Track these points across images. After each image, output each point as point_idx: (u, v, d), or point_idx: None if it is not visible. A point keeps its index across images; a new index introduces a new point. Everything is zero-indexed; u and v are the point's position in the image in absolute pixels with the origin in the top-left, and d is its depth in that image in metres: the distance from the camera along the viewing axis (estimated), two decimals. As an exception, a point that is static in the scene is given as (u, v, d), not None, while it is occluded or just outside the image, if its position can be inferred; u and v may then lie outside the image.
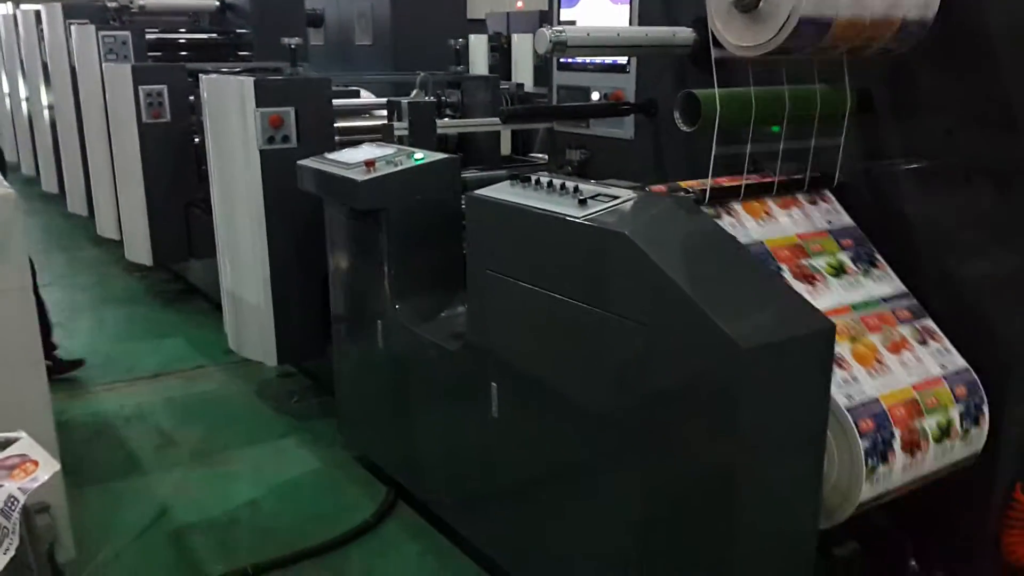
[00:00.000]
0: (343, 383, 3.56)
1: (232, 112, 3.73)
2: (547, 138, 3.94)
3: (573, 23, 3.56)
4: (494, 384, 2.52)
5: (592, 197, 2.19)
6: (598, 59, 3.48)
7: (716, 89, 2.22)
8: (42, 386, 2.58)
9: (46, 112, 8.05)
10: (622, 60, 3.36)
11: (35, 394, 2.56)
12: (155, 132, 5.37)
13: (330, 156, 3.28)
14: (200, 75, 4.06)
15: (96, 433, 3.86)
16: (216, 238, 4.17)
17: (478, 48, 9.24)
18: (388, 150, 3.19)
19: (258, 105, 3.62)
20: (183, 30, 6.96)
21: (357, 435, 3.58)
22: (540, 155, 4.60)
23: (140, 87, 5.31)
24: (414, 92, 3.54)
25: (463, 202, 2.94)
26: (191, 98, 5.40)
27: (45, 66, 7.76)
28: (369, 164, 2.99)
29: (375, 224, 3.03)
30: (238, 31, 6.69)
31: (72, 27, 6.34)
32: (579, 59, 3.56)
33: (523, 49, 9.75)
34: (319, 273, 3.89)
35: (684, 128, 2.28)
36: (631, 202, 2.16)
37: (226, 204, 3.97)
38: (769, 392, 1.83)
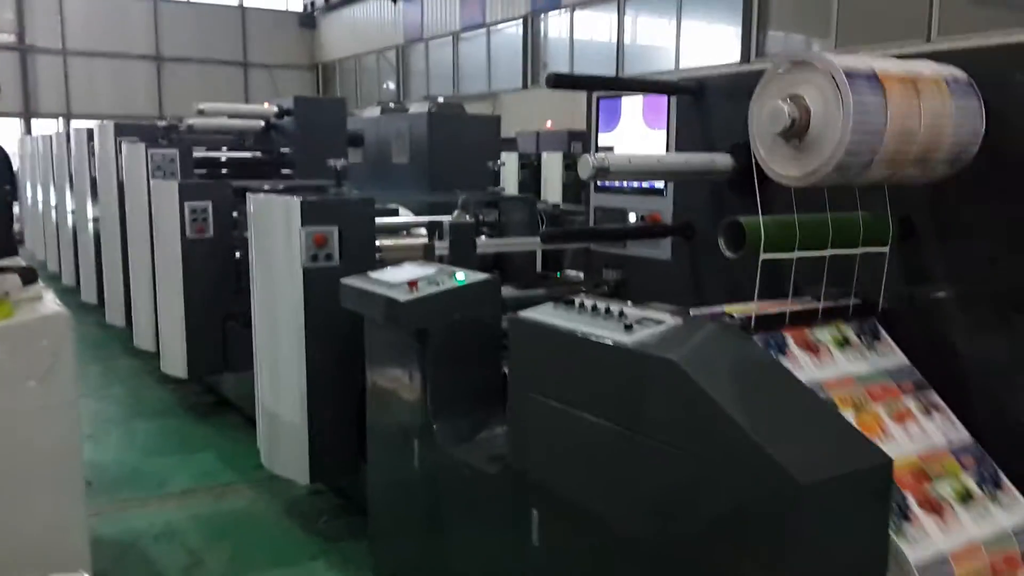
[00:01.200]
0: (376, 503, 3.50)
1: (278, 230, 3.81)
2: (582, 256, 3.96)
3: (610, 148, 3.65)
4: (535, 510, 2.46)
5: (637, 322, 2.19)
6: (635, 183, 3.54)
7: (760, 216, 2.24)
8: (79, 502, 2.56)
9: (91, 225, 8.29)
10: (659, 184, 3.43)
11: (72, 511, 2.55)
12: (198, 247, 5.50)
13: (373, 275, 3.32)
14: (247, 193, 4.17)
15: (125, 551, 3.80)
16: (254, 352, 4.19)
17: (509, 166, 9.49)
18: (430, 270, 3.23)
19: (303, 224, 3.70)
20: (224, 148, 7.22)
21: (389, 557, 3.49)
22: (573, 272, 4.64)
23: (186, 203, 5.47)
24: (456, 212, 3.61)
25: (503, 322, 2.97)
26: (235, 214, 5.56)
27: (93, 181, 8.05)
28: (412, 284, 3.02)
29: (416, 343, 3.04)
30: (281, 150, 6.92)
31: (123, 144, 6.59)
32: (616, 182, 3.64)
33: (552, 167, 10.00)
34: (355, 392, 3.89)
35: (729, 255, 2.29)
36: (677, 327, 2.15)
37: (266, 319, 4.01)
38: (825, 528, 1.77)
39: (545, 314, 2.47)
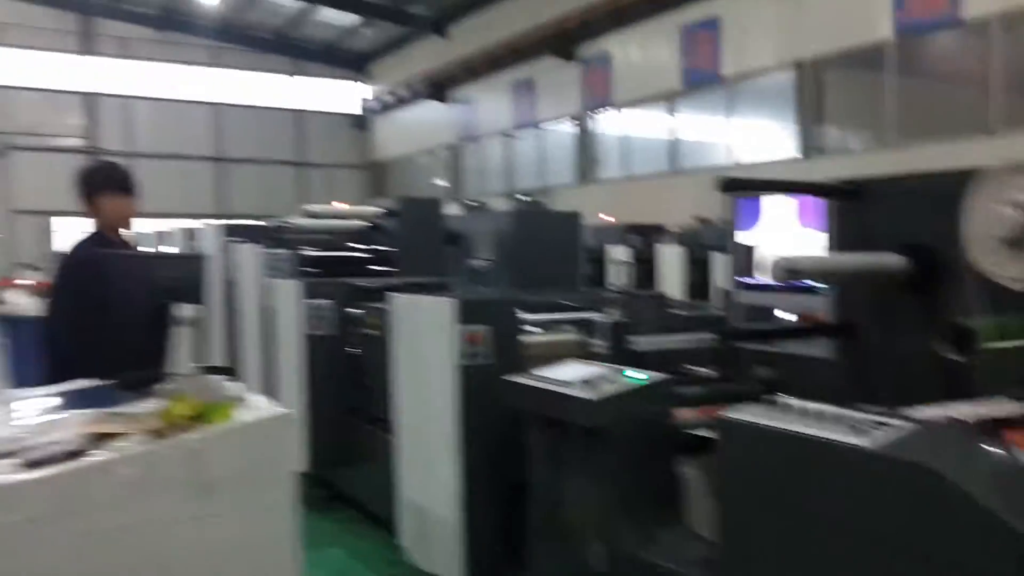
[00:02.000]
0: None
1: (431, 328, 3.92)
2: (707, 353, 4.00)
3: (749, 248, 3.75)
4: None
5: (868, 424, 2.21)
6: (785, 282, 3.62)
7: (992, 318, 2.29)
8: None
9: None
10: (814, 283, 3.50)
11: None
12: (318, 343, 5.63)
13: (539, 373, 3.39)
14: (388, 293, 4.31)
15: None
16: (397, 448, 4.25)
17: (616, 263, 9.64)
18: (596, 368, 3.29)
19: (459, 322, 3.80)
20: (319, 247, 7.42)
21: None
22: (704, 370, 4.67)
23: (306, 301, 5.63)
24: (608, 310, 3.70)
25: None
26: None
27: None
28: (589, 383, 3.09)
29: (596, 444, 3.08)
30: (382, 248, 7.12)
31: (234, 246, 6.84)
32: (764, 281, 3.72)
33: (670, 263, 10.10)
34: (507, 489, 3.93)
35: (956, 358, 2.33)
36: (914, 430, 2.18)
37: (414, 415, 4.09)
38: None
39: (758, 416, 2.50)
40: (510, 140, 21.51)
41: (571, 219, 8.73)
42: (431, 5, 22.72)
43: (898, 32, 12.43)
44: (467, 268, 8.11)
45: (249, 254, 6.49)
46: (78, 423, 2.56)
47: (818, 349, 3.48)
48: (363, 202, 16.45)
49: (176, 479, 2.42)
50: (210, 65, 25.87)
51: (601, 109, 18.48)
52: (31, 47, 23.37)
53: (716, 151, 16.13)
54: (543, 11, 18.95)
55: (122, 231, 3.91)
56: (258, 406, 2.67)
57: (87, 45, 24.38)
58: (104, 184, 3.87)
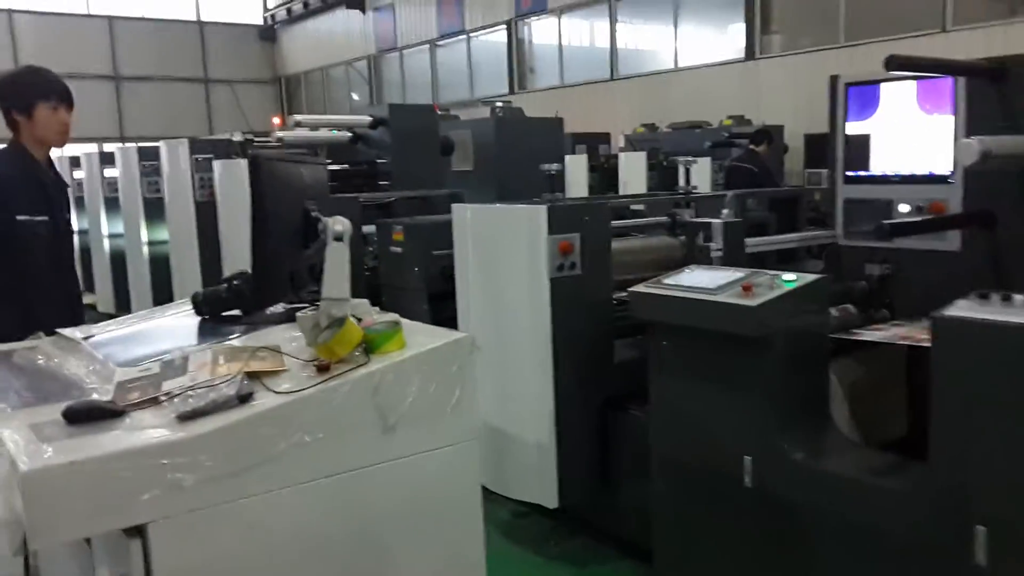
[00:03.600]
0: (666, 530, 3.26)
1: (517, 240, 3.57)
2: (827, 253, 3.80)
3: (866, 136, 3.50)
4: (980, 528, 2.28)
5: None
6: (906, 171, 3.41)
7: None
8: (479, 547, 2.30)
9: (146, 249, 7.87)
10: (943, 171, 3.29)
11: (473, 554, 2.28)
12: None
13: (669, 281, 3.11)
14: (456, 205, 3.92)
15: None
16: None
17: (575, 170, 9.31)
18: (728, 273, 3.03)
19: (550, 232, 3.46)
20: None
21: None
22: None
23: (317, 219, 5.15)
24: (724, 211, 3.42)
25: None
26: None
27: (147, 202, 7.65)
28: (746, 288, 2.82)
29: (751, 353, 2.83)
30: (376, 160, 6.62)
31: (217, 163, 6.23)
32: (878, 171, 3.49)
33: (633, 168, 9.78)
34: (597, 408, 3.69)
35: None
36: None
37: (491, 337, 3.75)
38: None
39: (975, 311, 2.30)
40: (435, 50, 20.66)
41: (554, 124, 8.38)
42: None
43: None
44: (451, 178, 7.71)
45: (237, 171, 5.90)
46: (220, 359, 2.15)
47: (946, 242, 3.29)
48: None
49: (358, 421, 2.05)
50: (101, -27, 23.87)
51: (535, 15, 17.83)
52: None
53: (660, 58, 15.80)
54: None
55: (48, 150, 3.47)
56: (419, 330, 2.30)
57: (-41, -49, 22.07)
58: (44, 92, 3.34)
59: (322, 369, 2.08)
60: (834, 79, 3.61)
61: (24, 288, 3.34)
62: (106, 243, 8.95)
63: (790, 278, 2.89)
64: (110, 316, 8.63)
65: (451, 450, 2.20)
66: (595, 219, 3.61)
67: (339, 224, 2.24)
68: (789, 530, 2.82)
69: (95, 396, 2.11)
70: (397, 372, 2.10)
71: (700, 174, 9.61)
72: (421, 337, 2.23)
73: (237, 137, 6.76)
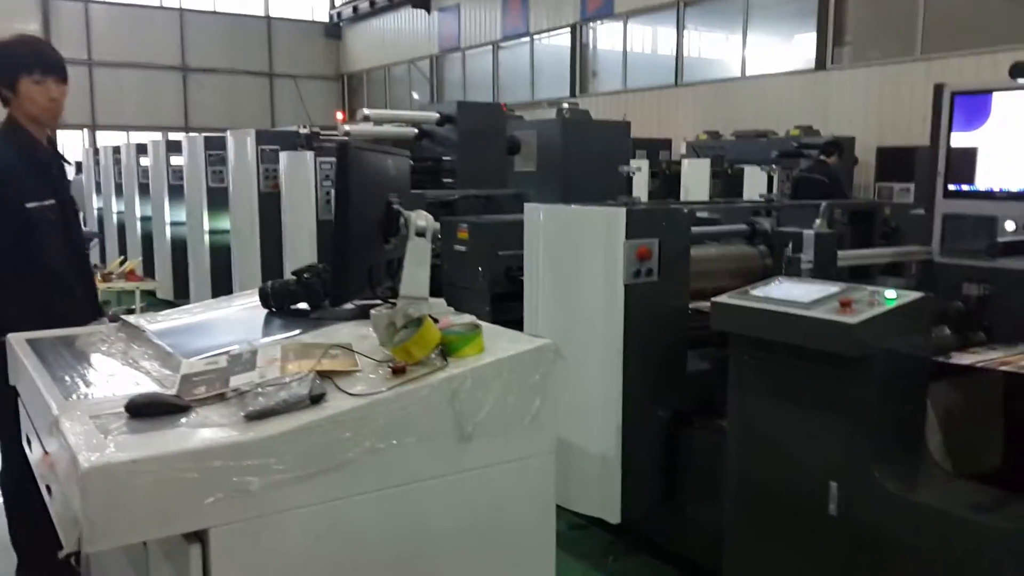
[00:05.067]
0: (739, 550, 3.09)
1: (592, 243, 3.42)
2: (920, 271, 3.58)
3: (973, 149, 3.29)
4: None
5: None
6: (1015, 187, 3.18)
7: None
8: (550, 569, 2.16)
9: (207, 237, 7.88)
10: (1055, 188, 3.07)
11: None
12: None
13: (757, 293, 2.93)
14: (527, 204, 3.78)
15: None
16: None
17: (639, 173, 9.13)
18: (832, 287, 2.84)
19: (628, 236, 3.31)
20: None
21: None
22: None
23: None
24: (818, 222, 3.23)
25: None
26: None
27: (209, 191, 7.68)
28: (845, 304, 2.64)
29: (848, 373, 2.65)
30: (441, 158, 6.53)
31: (283, 154, 6.19)
32: (983, 186, 3.27)
33: (695, 175, 9.62)
34: (667, 422, 3.53)
35: None
36: None
37: (567, 342, 3.60)
38: None
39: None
40: (498, 51, 20.59)
41: (621, 128, 8.21)
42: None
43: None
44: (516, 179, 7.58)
45: (303, 163, 5.85)
46: (290, 356, 2.04)
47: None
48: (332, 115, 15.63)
49: (434, 428, 1.92)
50: (174, -32, 24.31)
51: (601, 19, 17.65)
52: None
53: (723, 65, 15.51)
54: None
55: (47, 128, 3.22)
56: (498, 334, 2.17)
57: (39, -57, 22.65)
58: (28, 64, 3.06)
59: (397, 371, 1.96)
60: (939, 88, 3.39)
61: (40, 277, 3.10)
62: (168, 230, 9.02)
63: (891, 295, 2.70)
64: (169, 304, 8.78)
65: (527, 464, 2.07)
66: (674, 224, 3.45)
67: (422, 219, 2.12)
68: (875, 563, 2.63)
69: (159, 388, 2.02)
70: (476, 378, 1.97)
71: (761, 184, 9.39)
72: (501, 342, 2.10)
73: (303, 130, 6.71)
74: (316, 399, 1.84)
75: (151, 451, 1.61)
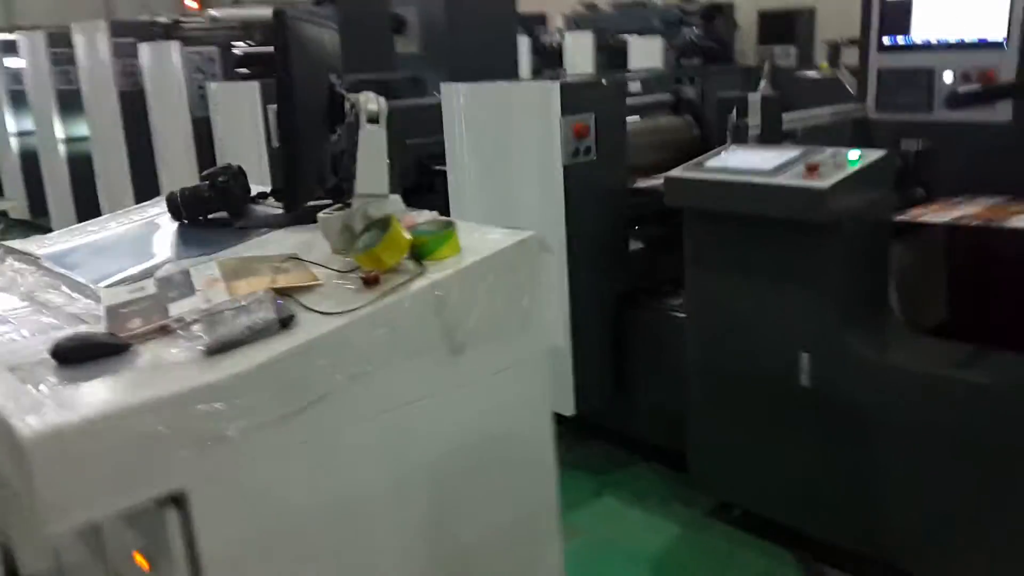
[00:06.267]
0: (701, 431, 3.03)
1: (524, 123, 3.17)
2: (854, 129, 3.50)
3: (907, 1, 3.17)
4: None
5: None
6: (952, 38, 3.10)
7: None
8: (552, 486, 2.00)
9: (62, 147, 7.11)
10: (996, 37, 2.99)
11: (546, 493, 1.99)
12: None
13: (712, 164, 2.77)
14: (444, 84, 3.46)
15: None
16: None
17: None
18: (790, 151, 2.71)
19: (563, 113, 3.07)
20: (245, 43, 6.21)
21: (730, 484, 3.04)
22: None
23: (269, 107, 4.62)
24: (762, 84, 3.07)
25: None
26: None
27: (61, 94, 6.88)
28: (811, 168, 2.51)
29: (815, 240, 2.54)
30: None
31: (143, 46, 5.53)
32: (918, 39, 3.18)
33: (578, 50, 9.23)
34: (612, 309, 3.40)
35: None
36: None
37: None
38: None
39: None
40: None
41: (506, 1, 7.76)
42: None
43: None
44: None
45: (168, 55, 5.24)
46: (234, 274, 1.75)
47: (995, 113, 3.02)
48: None
49: (423, 342, 1.69)
50: None
51: None
52: None
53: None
54: None
55: None
56: (471, 229, 1.92)
57: None
58: None
59: (370, 282, 1.70)
60: (867, -66, 3.24)
61: None
62: (14, 142, 8.10)
63: (854, 156, 2.58)
64: (27, 224, 7.97)
65: (521, 369, 1.87)
66: (610, 98, 3.23)
67: (372, 103, 1.81)
68: (851, 431, 2.61)
69: (82, 327, 1.69)
70: (462, 281, 1.73)
71: (650, 54, 9.18)
72: (475, 239, 1.85)
73: (161, 19, 6.02)
74: (285, 322, 1.57)
75: (106, 405, 1.32)
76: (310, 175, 1.80)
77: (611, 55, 10.13)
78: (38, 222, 8.06)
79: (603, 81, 3.37)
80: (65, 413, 1.29)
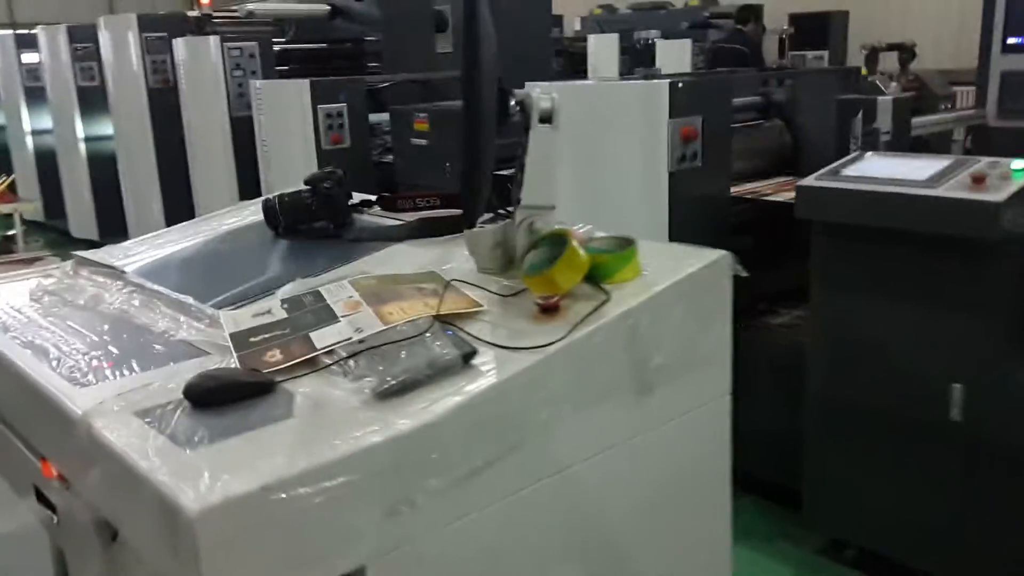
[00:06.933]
0: (825, 466, 2.75)
1: (625, 126, 2.91)
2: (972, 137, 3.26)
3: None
4: None
5: None
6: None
7: None
8: (725, 517, 1.73)
9: (83, 146, 6.82)
10: None
11: (718, 526, 1.72)
12: (333, 158, 4.41)
13: (850, 172, 2.51)
14: (529, 83, 3.19)
15: None
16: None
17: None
18: (941, 161, 2.45)
19: (672, 116, 2.81)
20: (282, 40, 5.93)
21: (851, 522, 2.76)
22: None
23: (319, 107, 4.35)
24: (892, 86, 2.82)
25: None
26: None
27: (81, 91, 6.59)
28: (977, 180, 2.25)
29: (979, 260, 2.28)
30: (365, 39, 5.74)
31: (179, 41, 5.25)
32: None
33: (602, 52, 8.97)
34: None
35: None
36: None
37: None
38: None
39: None
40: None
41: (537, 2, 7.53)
42: None
43: None
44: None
45: (206, 50, 4.97)
46: (379, 297, 1.48)
47: None
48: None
49: (613, 381, 1.42)
50: None
51: None
52: None
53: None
54: None
55: None
56: (644, 247, 1.65)
57: None
58: None
59: (549, 310, 1.43)
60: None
61: None
62: (29, 141, 7.80)
63: (1018, 166, 2.32)
64: (41, 225, 7.67)
65: (705, 410, 1.60)
66: (719, 100, 2.96)
67: (545, 100, 1.54)
68: (1005, 472, 2.34)
69: (207, 360, 1.43)
70: (653, 310, 1.46)
71: (678, 57, 8.93)
72: (654, 258, 1.59)
73: (192, 13, 5.75)
74: (467, 358, 1.30)
75: (283, 468, 1.05)
76: (487, 183, 1.53)
77: (635, 58, 9.88)
78: (51, 223, 7.77)
79: (712, 80, 3.10)
80: (234, 480, 1.02)
